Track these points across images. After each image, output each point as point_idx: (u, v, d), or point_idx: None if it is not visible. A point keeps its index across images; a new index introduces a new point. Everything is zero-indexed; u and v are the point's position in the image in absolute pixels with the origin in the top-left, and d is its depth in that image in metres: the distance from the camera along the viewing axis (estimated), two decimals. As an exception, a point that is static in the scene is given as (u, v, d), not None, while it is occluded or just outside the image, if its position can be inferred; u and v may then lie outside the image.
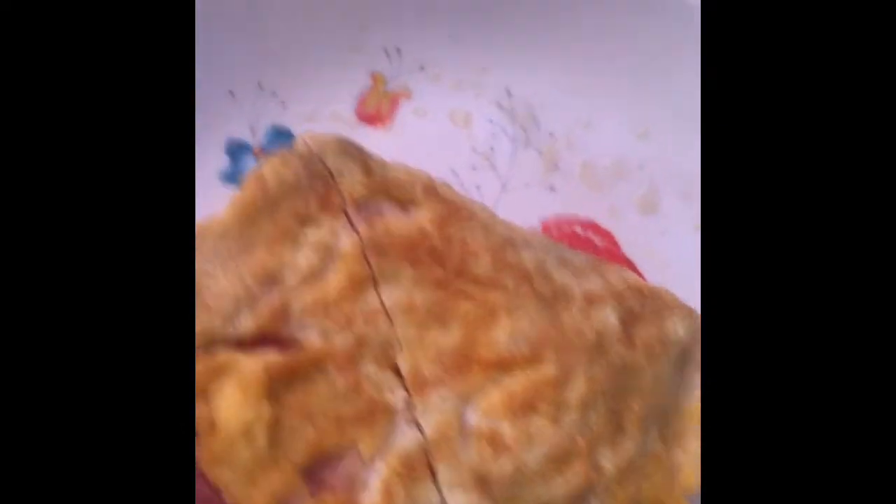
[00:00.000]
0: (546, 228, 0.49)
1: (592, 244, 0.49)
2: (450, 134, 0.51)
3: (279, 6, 0.50)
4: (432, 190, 0.45)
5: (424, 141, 0.51)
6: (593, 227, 0.49)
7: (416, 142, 0.50)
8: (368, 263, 0.43)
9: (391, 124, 0.51)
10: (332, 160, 0.45)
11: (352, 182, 0.44)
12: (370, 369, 0.42)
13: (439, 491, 0.40)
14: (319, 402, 0.41)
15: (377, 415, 0.41)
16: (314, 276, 0.43)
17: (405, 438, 0.41)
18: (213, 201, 0.47)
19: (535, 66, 0.51)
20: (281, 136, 0.50)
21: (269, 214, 0.44)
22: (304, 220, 0.44)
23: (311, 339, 0.42)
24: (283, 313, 0.42)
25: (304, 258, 0.43)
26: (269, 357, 0.41)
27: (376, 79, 0.52)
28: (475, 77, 0.52)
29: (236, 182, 0.49)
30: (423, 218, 0.44)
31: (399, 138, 0.51)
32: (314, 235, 0.43)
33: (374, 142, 0.48)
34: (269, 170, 0.44)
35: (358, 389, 0.42)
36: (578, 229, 0.49)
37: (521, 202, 0.49)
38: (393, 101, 0.52)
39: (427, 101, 0.51)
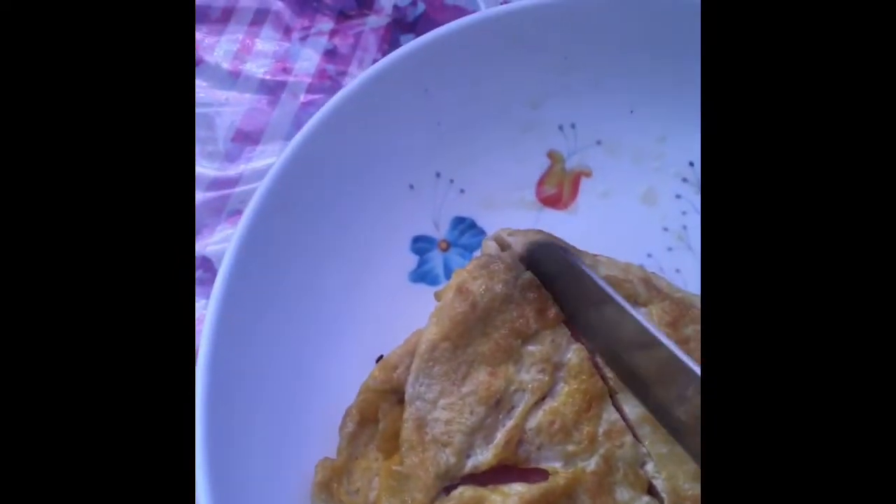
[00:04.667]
0: (756, 310, 0.46)
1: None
2: (638, 213, 0.48)
3: (450, 92, 0.46)
4: (651, 284, 0.42)
5: (612, 223, 0.47)
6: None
7: (604, 224, 0.47)
8: (602, 374, 0.40)
9: (574, 206, 0.48)
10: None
11: (574, 283, 0.40)
12: (624, 495, 0.38)
13: None
14: (579, 536, 0.37)
15: (639, 543, 0.38)
16: (545, 395, 0.39)
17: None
18: (406, 303, 0.44)
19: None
20: (464, 226, 0.47)
21: (482, 332, 0.40)
22: (524, 336, 0.40)
23: (555, 464, 0.38)
24: (518, 440, 0.38)
25: (530, 377, 0.39)
26: (520, 490, 0.37)
27: (554, 157, 0.48)
28: (655, 150, 0.49)
29: (426, 280, 0.46)
30: (653, 318, 0.40)
31: (585, 221, 0.47)
32: (537, 351, 0.40)
33: (561, 226, 0.45)
34: (472, 281, 0.40)
35: (616, 516, 0.38)
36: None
37: (725, 283, 0.46)
38: (574, 180, 0.48)
39: (609, 178, 0.48)
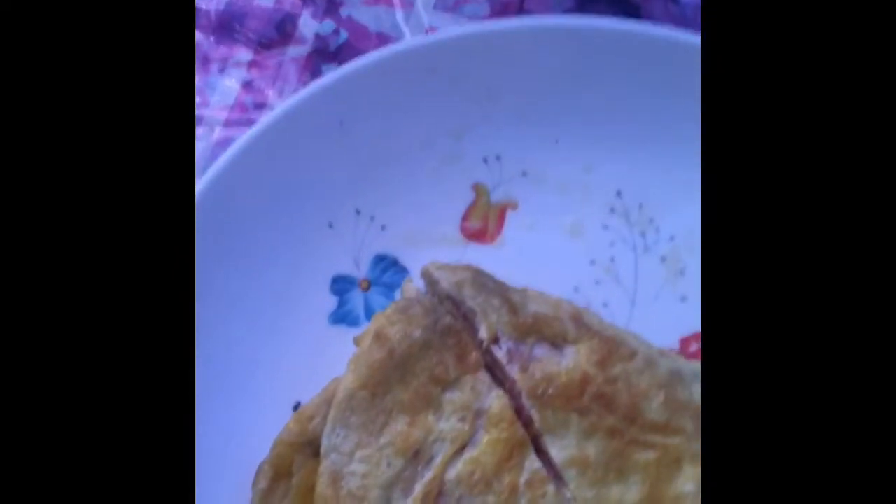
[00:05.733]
0: (685, 343, 0.45)
1: (736, 357, 0.45)
2: (565, 246, 0.47)
3: (370, 124, 0.45)
4: (581, 321, 0.41)
5: (539, 255, 0.46)
6: (733, 337, 0.46)
7: (530, 257, 0.46)
8: (527, 419, 0.38)
9: (500, 239, 0.47)
10: (471, 296, 0.40)
11: (498, 323, 0.39)
12: (548, 543, 0.37)
13: None
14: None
15: None
16: (465, 444, 0.38)
17: None
18: (325, 346, 0.43)
19: (643, 161, 0.47)
20: (385, 264, 0.45)
21: (400, 379, 0.38)
22: (443, 383, 0.39)
23: (476, 516, 0.37)
24: (438, 492, 0.37)
25: (449, 426, 0.38)
26: (436, 547, 0.36)
27: (479, 190, 0.47)
28: (582, 180, 0.48)
29: (347, 322, 0.44)
30: (581, 358, 0.39)
31: (511, 254, 0.46)
32: (457, 398, 0.38)
33: (487, 260, 0.44)
34: (390, 326, 0.39)
35: (539, 568, 0.37)
36: (719, 341, 0.45)
37: (654, 317, 0.45)
38: (499, 212, 0.47)
39: (535, 209, 0.47)
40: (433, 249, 0.45)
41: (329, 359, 0.41)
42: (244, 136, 0.43)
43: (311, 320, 0.44)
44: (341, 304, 0.45)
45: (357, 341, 0.40)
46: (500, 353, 0.39)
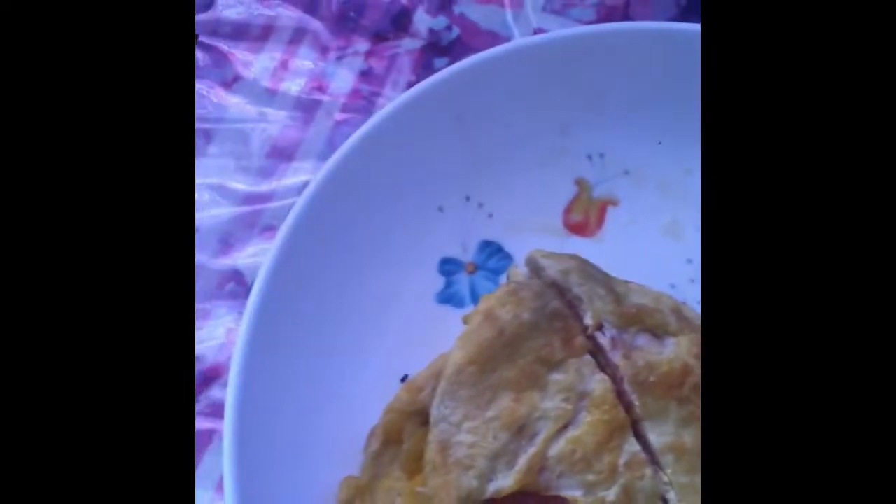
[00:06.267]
0: (777, 345, 0.46)
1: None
2: (662, 244, 0.48)
3: (482, 117, 0.47)
4: (681, 315, 0.42)
5: (637, 252, 0.48)
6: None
7: (629, 253, 0.47)
8: (627, 403, 0.40)
9: (600, 234, 0.49)
10: (577, 284, 0.42)
11: (603, 311, 0.41)
12: (644, 525, 0.39)
13: None
14: (596, 562, 0.38)
15: (656, 574, 0.38)
16: (567, 424, 0.39)
17: None
18: (432, 324, 0.45)
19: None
20: (491, 250, 0.47)
21: (508, 358, 0.40)
22: (549, 364, 0.40)
23: (574, 493, 0.38)
24: (540, 467, 0.39)
25: (553, 405, 0.40)
26: (539, 516, 0.38)
27: (582, 185, 0.49)
28: (681, 181, 0.49)
29: (453, 302, 0.46)
30: (682, 349, 0.41)
31: (611, 249, 0.48)
32: (562, 379, 0.40)
33: (586, 253, 0.45)
34: (501, 307, 0.41)
35: (634, 547, 0.38)
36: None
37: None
38: (601, 208, 0.49)
39: (635, 207, 0.49)
40: (536, 238, 0.47)
41: (435, 336, 0.42)
42: (367, 123, 0.45)
43: (420, 299, 0.46)
44: (448, 284, 0.47)
45: (466, 320, 0.42)
46: (604, 340, 0.41)
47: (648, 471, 0.39)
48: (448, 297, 0.46)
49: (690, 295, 0.47)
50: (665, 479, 0.39)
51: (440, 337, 0.42)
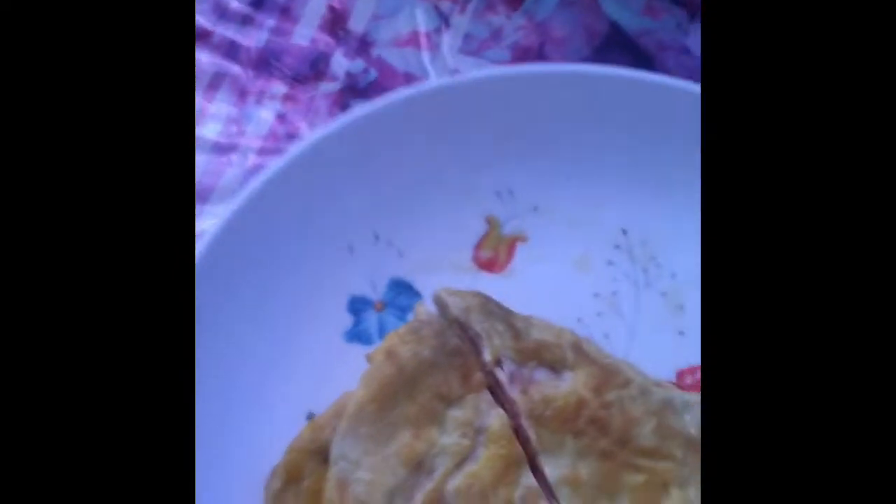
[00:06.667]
0: (681, 376, 0.47)
1: (730, 391, 0.47)
2: (571, 278, 0.49)
3: (393, 156, 0.48)
4: (580, 349, 0.43)
5: (545, 287, 0.48)
6: (728, 372, 0.48)
7: (537, 288, 0.48)
8: (525, 437, 0.41)
9: (509, 270, 0.49)
10: (477, 320, 0.43)
11: (501, 346, 0.42)
12: (538, 557, 0.39)
13: None
14: None
15: None
16: (465, 459, 0.40)
17: None
18: (339, 362, 0.46)
19: (648, 201, 0.50)
20: (401, 288, 0.48)
21: (407, 395, 0.41)
22: (448, 400, 0.41)
23: (471, 527, 0.39)
24: (438, 502, 0.40)
25: (451, 441, 0.40)
26: (434, 552, 0.39)
27: (492, 222, 0.50)
28: (590, 215, 0.50)
29: (361, 340, 0.47)
30: (578, 383, 0.42)
31: (519, 285, 0.49)
32: (460, 415, 0.41)
33: (496, 289, 0.46)
34: (401, 345, 0.42)
35: (529, 580, 0.39)
36: (714, 376, 0.48)
37: (652, 350, 0.47)
38: (510, 244, 0.50)
39: (544, 243, 0.50)
40: (446, 276, 0.48)
41: (342, 374, 0.43)
42: (275, 163, 0.46)
43: (328, 337, 0.46)
44: (356, 323, 0.47)
45: (370, 358, 0.43)
46: (503, 376, 0.42)
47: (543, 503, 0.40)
48: (356, 336, 0.47)
49: (596, 329, 0.48)
50: (560, 511, 0.40)
51: (347, 375, 0.43)
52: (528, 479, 0.40)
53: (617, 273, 0.49)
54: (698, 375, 0.47)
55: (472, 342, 0.43)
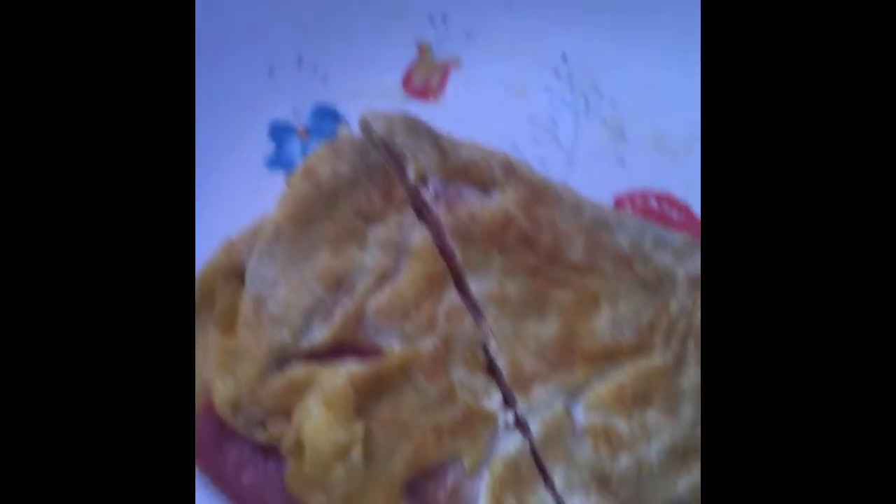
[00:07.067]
0: (619, 203, 0.45)
1: (669, 218, 0.46)
2: (506, 105, 0.47)
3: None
4: (511, 169, 0.41)
5: (479, 114, 0.46)
6: (668, 200, 0.46)
7: (470, 115, 0.46)
8: (450, 255, 0.39)
9: (442, 97, 0.47)
10: (402, 140, 0.40)
11: (426, 164, 0.40)
12: (460, 374, 0.38)
13: (555, 494, 0.37)
14: (412, 413, 0.37)
15: (476, 422, 0.37)
16: (386, 277, 0.39)
17: (509, 444, 0.37)
18: (259, 190, 0.43)
19: (590, 26, 0.47)
20: (325, 114, 0.46)
21: (326, 213, 0.39)
22: (368, 217, 0.39)
23: (392, 345, 0.38)
24: (357, 320, 0.38)
25: (372, 259, 0.39)
26: (352, 368, 0.37)
27: (423, 49, 0.47)
28: (528, 43, 0.48)
29: (283, 168, 0.45)
30: (507, 200, 0.40)
31: (452, 112, 0.46)
32: (380, 233, 0.39)
33: (427, 116, 0.43)
34: (319, 163, 0.40)
35: (451, 396, 0.37)
36: (654, 203, 0.46)
37: (590, 176, 0.45)
38: (442, 71, 0.47)
39: (478, 70, 0.47)
40: (373, 102, 0.45)
41: (262, 201, 0.41)
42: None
43: (248, 163, 0.44)
44: (278, 149, 0.45)
45: (289, 182, 0.41)
46: (427, 194, 0.40)
47: (468, 320, 0.38)
48: (278, 162, 0.45)
49: (532, 155, 0.46)
50: (486, 328, 0.38)
51: (268, 202, 0.41)
52: (452, 297, 0.38)
53: (555, 99, 0.47)
54: (638, 202, 0.46)
55: (397, 161, 0.40)
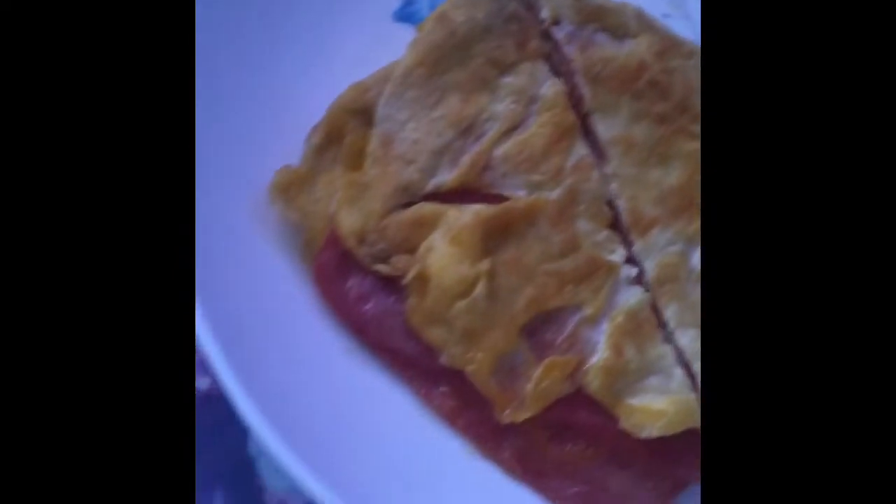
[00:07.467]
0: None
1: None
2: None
3: None
4: (644, 20, 0.40)
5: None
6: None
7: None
8: (579, 97, 0.38)
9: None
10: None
11: (561, 7, 0.39)
12: (585, 226, 0.37)
13: (668, 331, 0.37)
14: (535, 258, 0.37)
15: (598, 273, 0.37)
16: (515, 126, 0.38)
17: (630, 296, 0.37)
18: (387, 43, 0.42)
19: None
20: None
21: (459, 60, 0.39)
22: (501, 67, 0.39)
23: (518, 194, 0.38)
24: (484, 166, 0.38)
25: (503, 107, 0.38)
26: (477, 208, 0.37)
27: None
28: None
29: (411, 21, 0.44)
30: (641, 48, 0.39)
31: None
32: (513, 82, 0.38)
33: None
34: (454, 10, 0.39)
35: (575, 246, 0.37)
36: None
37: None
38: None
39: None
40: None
41: (390, 53, 0.41)
42: None
43: (375, 16, 0.44)
44: (408, 2, 0.45)
45: (420, 28, 0.40)
46: (560, 35, 0.39)
47: (595, 174, 0.38)
48: (406, 16, 0.44)
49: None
50: (609, 170, 0.38)
51: (395, 55, 0.41)
52: (581, 149, 0.38)
53: (689, -31, 0.45)
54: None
55: (530, 7, 0.39)
